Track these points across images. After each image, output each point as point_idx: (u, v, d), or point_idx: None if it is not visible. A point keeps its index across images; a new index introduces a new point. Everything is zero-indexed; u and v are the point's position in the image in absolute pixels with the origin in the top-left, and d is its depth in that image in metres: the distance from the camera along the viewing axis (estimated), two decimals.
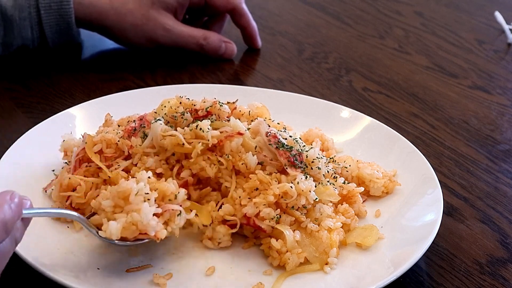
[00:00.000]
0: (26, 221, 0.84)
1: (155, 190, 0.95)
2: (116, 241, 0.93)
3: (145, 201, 0.93)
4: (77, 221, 0.95)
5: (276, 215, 1.01)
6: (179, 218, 0.96)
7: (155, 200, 0.95)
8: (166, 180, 1.04)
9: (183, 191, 0.98)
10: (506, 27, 1.94)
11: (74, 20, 1.54)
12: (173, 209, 0.96)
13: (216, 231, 1.02)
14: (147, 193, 0.94)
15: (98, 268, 0.97)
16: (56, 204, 1.07)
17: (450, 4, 2.18)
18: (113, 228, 0.91)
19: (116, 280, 0.95)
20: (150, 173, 0.98)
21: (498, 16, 1.98)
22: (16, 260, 0.93)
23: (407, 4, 2.17)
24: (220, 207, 1.04)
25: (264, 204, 1.01)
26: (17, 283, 0.97)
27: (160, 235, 0.93)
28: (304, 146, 1.10)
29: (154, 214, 0.93)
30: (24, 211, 0.82)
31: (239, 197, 1.02)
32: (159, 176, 1.06)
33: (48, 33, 1.53)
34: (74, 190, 1.05)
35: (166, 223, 0.95)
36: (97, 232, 0.93)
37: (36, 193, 1.10)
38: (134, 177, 0.97)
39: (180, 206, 0.97)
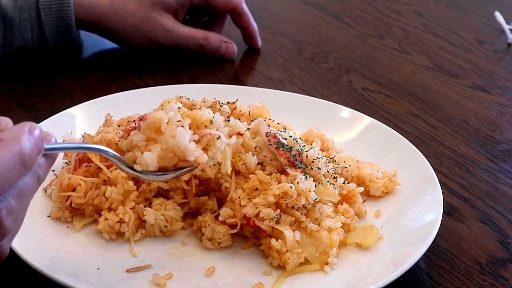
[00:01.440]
0: (50, 158, 0.77)
1: (186, 118, 0.89)
2: (155, 175, 0.85)
3: (178, 127, 0.86)
4: (109, 157, 0.86)
5: (276, 215, 1.01)
6: (219, 142, 0.89)
7: (189, 128, 0.87)
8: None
9: (218, 115, 0.91)
10: (506, 27, 1.94)
11: (74, 21, 1.54)
12: (210, 133, 0.88)
13: (216, 231, 1.02)
14: (179, 121, 0.87)
15: (98, 268, 0.97)
16: (56, 204, 1.06)
17: (450, 4, 2.18)
18: (148, 158, 0.84)
19: (116, 280, 0.95)
20: (180, 104, 0.90)
21: (498, 16, 1.98)
22: (16, 260, 0.93)
23: (407, 4, 2.17)
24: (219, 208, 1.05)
25: (264, 205, 1.01)
26: (17, 283, 0.97)
27: (201, 160, 0.86)
28: (304, 146, 1.10)
29: (191, 141, 0.86)
30: (46, 146, 0.74)
31: (239, 197, 1.02)
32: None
33: (48, 35, 1.53)
34: (74, 190, 1.05)
35: (205, 149, 0.88)
36: (133, 169, 0.86)
37: (36, 193, 1.09)
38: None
39: (216, 130, 0.90)
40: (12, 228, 0.72)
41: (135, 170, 0.86)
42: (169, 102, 1.13)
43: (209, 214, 1.05)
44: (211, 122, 0.90)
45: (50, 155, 0.77)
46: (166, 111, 0.88)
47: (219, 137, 0.90)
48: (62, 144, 0.80)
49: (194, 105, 1.13)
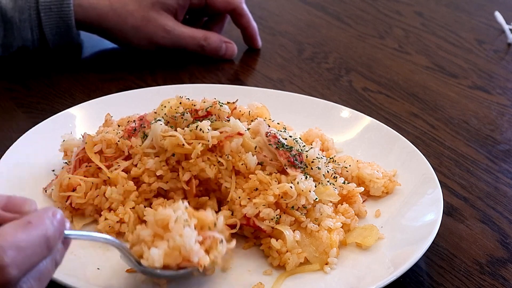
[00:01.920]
0: (66, 243, 0.79)
1: (193, 218, 0.92)
2: (159, 271, 0.89)
3: (184, 227, 0.90)
4: (119, 250, 0.90)
5: (276, 215, 1.01)
6: (221, 246, 0.92)
7: (194, 228, 0.91)
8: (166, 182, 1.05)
9: (221, 218, 0.94)
10: (506, 27, 1.94)
11: (74, 22, 1.54)
12: (214, 236, 0.92)
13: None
14: (186, 220, 0.90)
15: (98, 268, 0.97)
16: (56, 204, 1.06)
17: (450, 4, 2.18)
18: (155, 255, 0.88)
19: (116, 280, 0.95)
20: (186, 203, 0.94)
21: (498, 16, 1.98)
22: None
23: (407, 4, 2.17)
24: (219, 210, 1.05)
25: (264, 205, 1.01)
26: None
27: (203, 262, 0.89)
28: (304, 146, 1.10)
29: (196, 242, 0.90)
30: (65, 232, 0.77)
31: (239, 197, 1.02)
32: (159, 178, 1.06)
33: (48, 35, 1.53)
34: (74, 190, 1.05)
35: (207, 251, 0.91)
36: (139, 263, 0.89)
37: (36, 193, 1.10)
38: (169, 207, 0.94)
39: (220, 233, 0.93)
40: None
41: (140, 265, 0.90)
42: (164, 104, 1.13)
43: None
44: (215, 224, 0.93)
45: (66, 240, 0.79)
46: (174, 210, 0.91)
47: (222, 240, 0.93)
48: (79, 232, 0.89)
49: (194, 105, 1.13)
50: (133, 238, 0.93)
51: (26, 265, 0.71)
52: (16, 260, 0.69)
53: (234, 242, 0.96)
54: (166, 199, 1.06)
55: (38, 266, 0.73)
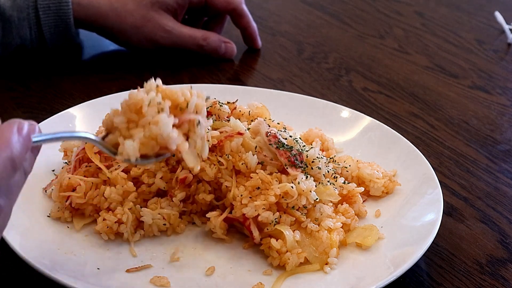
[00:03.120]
0: (35, 150, 0.77)
1: (166, 99, 0.87)
2: (137, 161, 0.85)
3: (159, 111, 0.85)
4: (92, 143, 0.86)
5: (275, 219, 1.01)
6: (200, 128, 0.89)
7: (169, 110, 0.87)
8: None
9: (195, 97, 0.89)
10: (506, 27, 1.94)
11: (73, 21, 1.54)
12: (190, 119, 0.88)
13: (211, 221, 1.03)
14: (160, 103, 0.86)
15: (98, 268, 0.97)
16: (56, 204, 1.06)
17: (450, 4, 2.18)
18: (130, 148, 0.84)
19: (116, 280, 0.95)
20: (159, 80, 0.90)
21: (498, 16, 1.98)
22: (16, 260, 0.93)
23: (407, 4, 2.17)
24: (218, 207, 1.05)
25: (264, 208, 1.01)
26: (17, 283, 0.97)
27: (183, 148, 0.86)
28: (304, 146, 1.10)
29: (173, 127, 0.86)
30: (32, 138, 0.74)
31: (241, 195, 1.02)
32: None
33: (46, 34, 1.53)
34: (74, 190, 1.05)
35: (185, 135, 0.88)
36: (114, 155, 0.85)
37: (36, 193, 1.10)
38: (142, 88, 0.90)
39: (197, 113, 0.89)
40: (1, 224, 0.73)
41: (116, 155, 0.86)
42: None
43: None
44: (187, 105, 0.88)
45: (36, 146, 0.76)
46: (146, 90, 0.87)
47: (199, 122, 0.89)
48: (47, 135, 0.79)
49: None
50: (108, 124, 0.88)
51: None
52: None
53: (211, 120, 0.92)
54: (161, 198, 1.06)
55: (5, 183, 0.71)
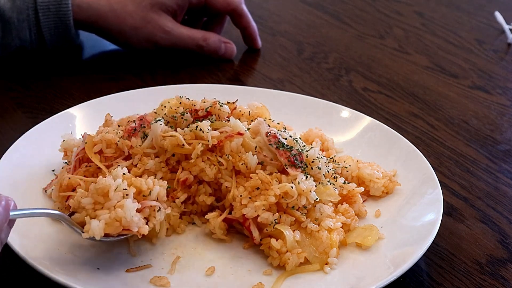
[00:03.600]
0: (11, 222, 0.84)
1: (131, 186, 0.97)
2: (99, 239, 0.93)
3: (124, 197, 0.95)
4: (61, 220, 0.96)
5: (274, 220, 1.01)
6: (159, 214, 0.98)
7: (133, 196, 0.96)
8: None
9: (157, 187, 0.99)
10: (506, 27, 1.94)
11: (73, 22, 1.53)
12: (151, 205, 0.97)
13: (211, 222, 1.03)
14: (125, 189, 0.95)
15: (98, 268, 0.97)
16: (56, 204, 1.07)
17: (450, 4, 2.18)
18: (96, 228, 0.92)
19: (116, 280, 0.95)
20: (125, 169, 1.00)
21: (498, 16, 1.98)
22: (16, 260, 0.93)
23: (407, 4, 2.17)
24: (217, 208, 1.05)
25: (263, 209, 1.01)
26: (17, 283, 0.97)
27: (143, 231, 0.95)
28: (304, 146, 1.10)
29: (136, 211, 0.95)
30: (10, 213, 0.81)
31: (240, 195, 1.02)
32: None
33: (46, 35, 1.53)
34: (74, 190, 1.05)
35: (146, 219, 0.97)
36: (81, 232, 0.94)
37: (36, 193, 1.10)
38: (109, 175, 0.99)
39: (157, 201, 0.99)
40: None
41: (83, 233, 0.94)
42: (164, 104, 1.14)
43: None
44: (150, 192, 0.98)
45: (11, 219, 0.84)
46: (114, 178, 0.96)
47: (159, 208, 0.98)
48: (22, 210, 0.90)
49: (194, 105, 1.13)
50: (75, 204, 0.97)
51: None
52: None
53: (169, 209, 1.02)
54: None
55: None
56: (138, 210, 0.95)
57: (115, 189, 0.95)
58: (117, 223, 0.93)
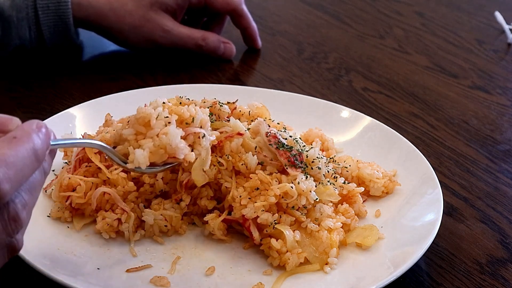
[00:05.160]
0: (52, 153, 0.81)
1: (173, 114, 0.93)
2: (145, 169, 0.90)
3: (166, 124, 0.91)
4: (103, 151, 0.91)
5: (274, 221, 1.01)
6: (204, 140, 0.95)
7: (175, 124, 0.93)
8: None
9: (200, 114, 0.96)
10: (506, 27, 1.94)
11: (72, 20, 1.53)
12: (195, 132, 0.94)
13: (210, 223, 1.03)
14: (167, 117, 0.92)
15: (98, 268, 0.97)
16: (56, 204, 1.06)
17: (450, 4, 2.18)
18: (140, 157, 0.89)
19: (116, 280, 0.95)
20: (165, 99, 0.96)
21: (498, 16, 1.98)
22: (16, 260, 0.93)
23: (407, 4, 2.17)
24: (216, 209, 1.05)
25: (263, 210, 1.01)
26: (17, 283, 0.97)
27: (189, 158, 0.92)
28: (304, 146, 1.10)
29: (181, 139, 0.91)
30: (51, 142, 0.79)
31: (240, 196, 1.02)
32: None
33: (46, 34, 1.53)
34: (74, 190, 1.05)
35: (190, 146, 0.94)
36: (125, 163, 0.90)
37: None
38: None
39: (201, 128, 0.95)
40: (26, 221, 0.76)
41: (126, 163, 0.90)
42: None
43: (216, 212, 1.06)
44: (193, 119, 0.95)
45: (52, 150, 0.81)
46: (153, 107, 0.93)
47: (204, 135, 0.94)
48: (64, 140, 0.88)
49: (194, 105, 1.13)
50: (116, 137, 0.93)
51: (18, 178, 0.72)
52: (7, 175, 0.70)
53: (214, 136, 0.99)
54: (164, 199, 1.06)
55: (29, 179, 0.75)
56: (182, 138, 0.92)
57: (157, 117, 0.91)
58: (162, 151, 0.90)
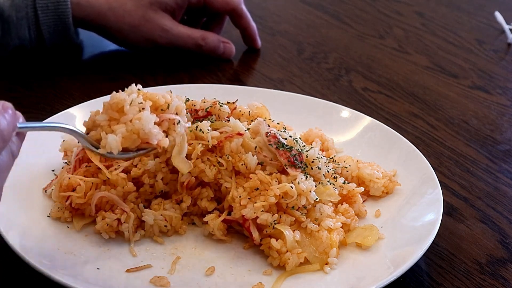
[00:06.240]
0: (21, 136, 0.81)
1: (147, 100, 0.93)
2: (117, 155, 0.89)
3: (140, 110, 0.91)
4: (73, 135, 0.90)
5: (274, 221, 1.01)
6: (179, 126, 0.94)
7: (150, 110, 0.92)
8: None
9: (176, 100, 0.95)
10: (506, 27, 1.94)
11: (72, 20, 1.53)
12: (170, 118, 0.93)
13: (209, 224, 1.03)
14: (141, 103, 0.92)
15: (98, 268, 0.97)
16: (56, 204, 1.06)
17: (450, 4, 2.18)
18: (113, 141, 0.88)
19: (116, 280, 0.95)
20: (139, 85, 0.95)
21: (498, 16, 1.98)
22: (16, 260, 0.93)
23: (407, 4, 2.17)
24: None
25: (263, 210, 1.01)
26: (17, 283, 0.97)
27: (163, 143, 0.91)
28: (304, 146, 1.10)
29: (154, 124, 0.91)
30: (18, 125, 0.79)
31: (240, 196, 1.02)
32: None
33: (45, 33, 1.53)
34: (74, 190, 1.05)
35: (165, 132, 0.93)
36: (97, 148, 0.90)
37: (36, 193, 1.10)
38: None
39: (176, 114, 0.94)
40: None
41: (100, 153, 0.90)
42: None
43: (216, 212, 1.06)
44: (168, 106, 0.94)
45: (21, 133, 0.81)
46: (128, 93, 0.92)
47: (179, 121, 0.94)
48: (32, 123, 0.84)
49: (194, 105, 1.13)
50: (89, 124, 0.93)
51: None
52: None
53: (189, 123, 0.98)
54: (164, 200, 1.06)
55: None
56: (156, 124, 0.91)
57: (130, 103, 0.91)
58: (134, 136, 0.89)
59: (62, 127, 0.89)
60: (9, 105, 0.77)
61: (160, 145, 0.91)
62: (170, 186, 1.07)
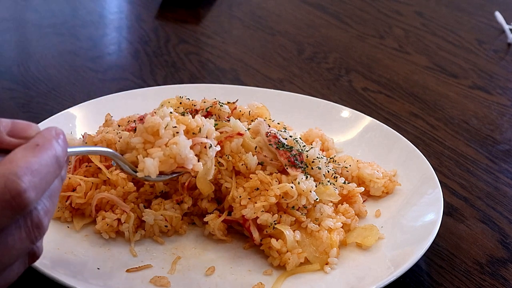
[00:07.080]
0: (67, 160, 0.81)
1: (180, 124, 0.94)
2: (153, 177, 0.91)
3: (174, 134, 0.92)
4: (114, 159, 0.91)
5: (274, 221, 1.01)
6: (211, 150, 0.95)
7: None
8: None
9: (207, 124, 0.97)
10: (506, 27, 1.94)
11: None
12: (202, 142, 0.95)
13: (210, 224, 1.03)
14: (175, 127, 0.93)
15: (98, 268, 0.97)
16: (56, 204, 1.06)
17: (450, 4, 2.18)
18: (151, 166, 0.89)
19: (116, 280, 0.95)
20: (171, 109, 0.97)
21: (498, 16, 1.98)
22: None
23: (407, 4, 2.17)
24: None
25: (263, 210, 1.01)
26: (17, 283, 0.97)
27: (197, 168, 0.92)
28: (304, 146, 1.10)
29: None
30: (68, 150, 0.79)
31: (240, 196, 1.02)
32: None
33: None
34: (74, 190, 1.05)
35: (197, 156, 0.94)
36: (135, 172, 0.91)
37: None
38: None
39: (207, 138, 0.96)
40: (46, 228, 0.75)
41: (135, 172, 0.91)
42: (164, 104, 1.14)
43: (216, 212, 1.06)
44: (200, 130, 0.96)
45: (68, 157, 0.81)
46: (161, 116, 0.93)
47: (210, 145, 0.95)
48: (79, 147, 0.90)
49: (194, 105, 1.13)
50: (122, 145, 0.94)
51: (42, 186, 0.71)
52: (32, 184, 0.69)
53: (218, 147, 0.99)
54: (164, 200, 1.06)
55: (51, 181, 0.74)
56: (190, 147, 0.93)
57: (165, 127, 0.92)
58: (171, 160, 0.90)
59: (105, 151, 0.91)
60: (60, 131, 0.77)
61: (195, 169, 0.93)
62: (170, 186, 1.07)
